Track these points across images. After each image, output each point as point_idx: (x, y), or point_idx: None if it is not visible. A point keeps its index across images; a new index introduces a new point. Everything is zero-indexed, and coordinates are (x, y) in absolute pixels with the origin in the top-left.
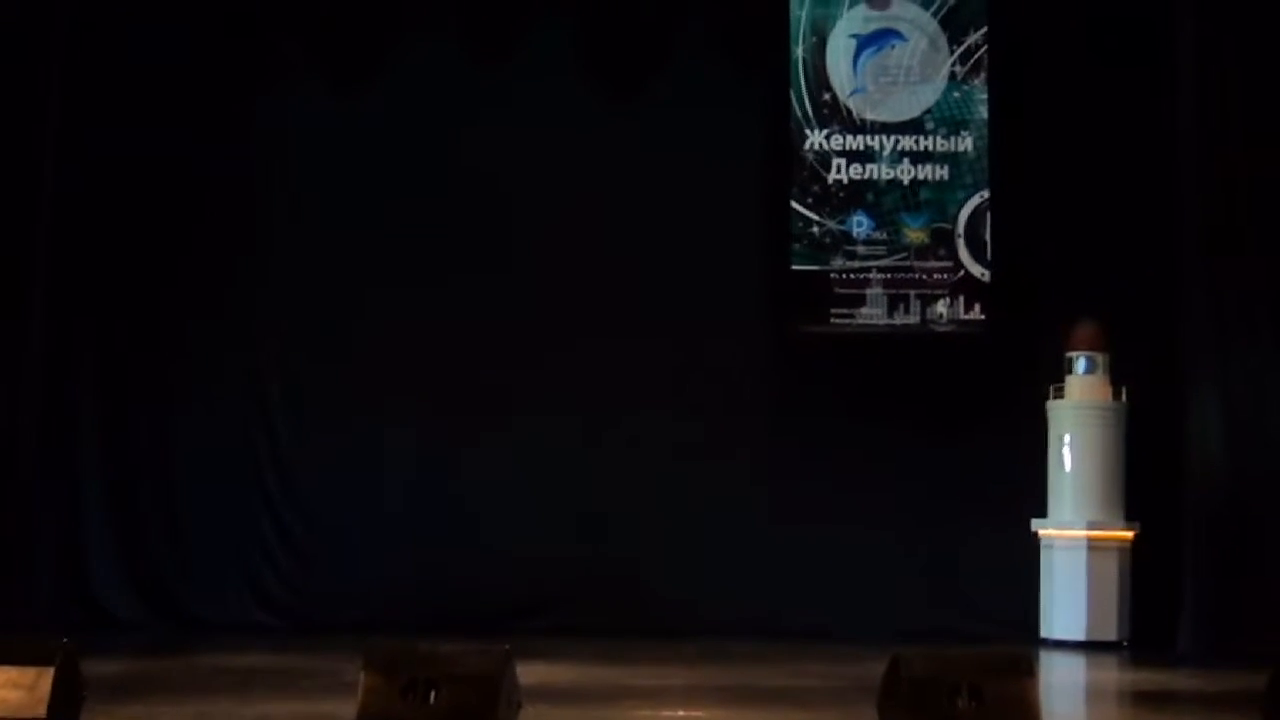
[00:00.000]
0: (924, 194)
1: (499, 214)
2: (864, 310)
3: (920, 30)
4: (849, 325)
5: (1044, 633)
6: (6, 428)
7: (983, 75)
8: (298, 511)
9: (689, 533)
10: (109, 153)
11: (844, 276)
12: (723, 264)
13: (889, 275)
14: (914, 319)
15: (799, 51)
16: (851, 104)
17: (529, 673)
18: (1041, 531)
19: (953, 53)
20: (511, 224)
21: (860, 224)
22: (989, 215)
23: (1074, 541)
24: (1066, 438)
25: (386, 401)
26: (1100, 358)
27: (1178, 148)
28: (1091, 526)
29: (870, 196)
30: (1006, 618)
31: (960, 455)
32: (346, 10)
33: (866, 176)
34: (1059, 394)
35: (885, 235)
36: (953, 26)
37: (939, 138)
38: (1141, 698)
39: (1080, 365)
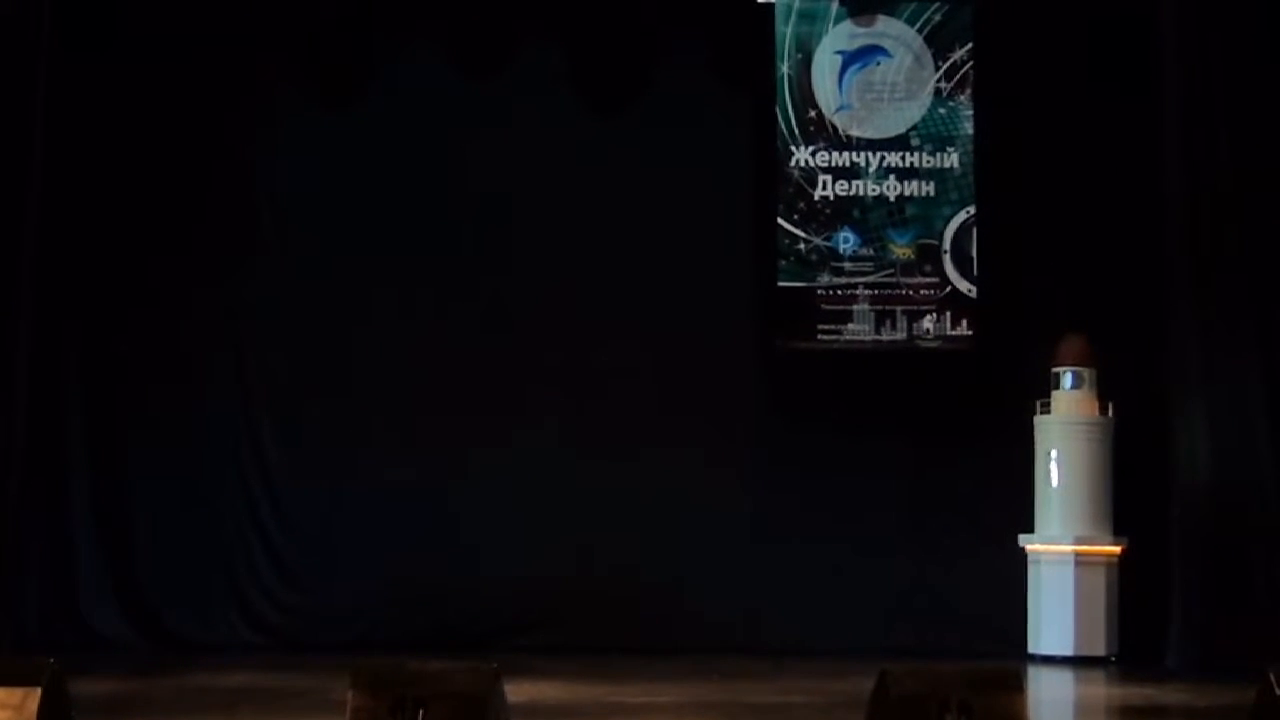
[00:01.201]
0: (910, 210)
1: (489, 228)
2: (850, 326)
3: (906, 47)
4: (836, 341)
5: (1032, 648)
6: None
7: (968, 91)
8: (286, 531)
9: (677, 549)
10: (98, 169)
11: (830, 293)
12: (709, 280)
13: (875, 291)
14: (900, 335)
15: (784, 68)
16: (837, 120)
17: (517, 690)
18: (1029, 547)
19: (938, 69)
20: (501, 240)
21: (846, 240)
22: (975, 231)
23: (1061, 556)
24: (1053, 453)
25: (375, 420)
26: (1087, 373)
27: (1164, 163)
28: (1079, 541)
29: (856, 213)
30: (994, 633)
31: (947, 471)
32: (339, 25)
33: (852, 193)
34: (1046, 409)
35: (871, 251)
36: (938, 43)
37: (925, 154)
38: (1130, 713)
39: (1067, 380)
